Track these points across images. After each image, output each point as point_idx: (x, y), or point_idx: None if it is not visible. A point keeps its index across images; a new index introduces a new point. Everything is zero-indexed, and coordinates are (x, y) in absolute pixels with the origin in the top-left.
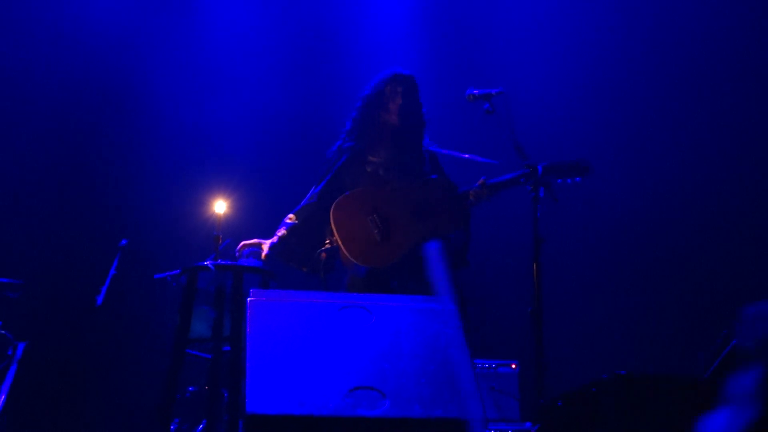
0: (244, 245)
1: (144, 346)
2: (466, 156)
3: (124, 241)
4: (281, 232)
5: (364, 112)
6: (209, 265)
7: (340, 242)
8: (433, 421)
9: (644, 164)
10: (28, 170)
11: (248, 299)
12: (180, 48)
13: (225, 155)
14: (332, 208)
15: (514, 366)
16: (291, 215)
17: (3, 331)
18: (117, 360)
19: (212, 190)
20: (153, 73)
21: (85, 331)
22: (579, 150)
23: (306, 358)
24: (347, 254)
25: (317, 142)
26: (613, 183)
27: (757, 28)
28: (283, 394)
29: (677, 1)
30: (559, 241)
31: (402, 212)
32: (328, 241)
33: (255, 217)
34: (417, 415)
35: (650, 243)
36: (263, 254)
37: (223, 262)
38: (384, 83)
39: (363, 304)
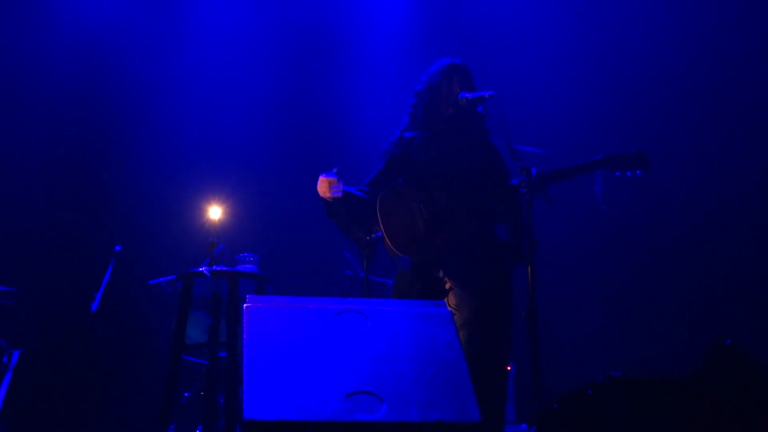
0: (328, 180)
1: (139, 352)
2: (524, 148)
3: (118, 247)
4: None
5: (420, 105)
6: (205, 271)
7: (384, 233)
8: (431, 425)
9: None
10: (22, 176)
11: (245, 305)
12: (175, 53)
13: (220, 161)
14: (378, 198)
15: (509, 368)
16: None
17: None
18: (112, 366)
19: (207, 196)
20: (148, 78)
21: (80, 338)
22: (576, 150)
23: (303, 363)
24: (390, 245)
25: (313, 148)
26: (607, 185)
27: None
28: (281, 399)
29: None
30: (553, 244)
31: (448, 203)
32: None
33: (250, 223)
34: (415, 419)
35: (645, 244)
36: (334, 192)
37: (218, 268)
38: (438, 74)
39: (359, 308)
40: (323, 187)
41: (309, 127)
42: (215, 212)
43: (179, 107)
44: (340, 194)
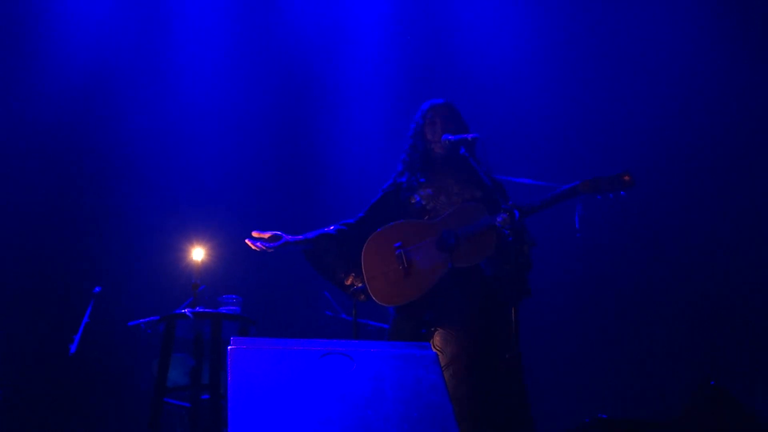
0: (259, 235)
1: (119, 394)
2: (520, 180)
3: (97, 289)
4: (311, 236)
5: (410, 150)
6: (188, 313)
7: (365, 280)
8: None
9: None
10: (1, 215)
11: (228, 347)
12: (158, 93)
13: (203, 202)
14: (365, 244)
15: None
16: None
17: None
18: (92, 409)
19: (189, 237)
20: (131, 119)
21: (58, 380)
22: (561, 174)
23: (288, 406)
24: (371, 294)
25: (297, 189)
26: (593, 222)
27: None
28: None
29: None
30: (537, 286)
31: (429, 244)
32: (351, 278)
33: (233, 265)
34: None
35: (632, 283)
36: (279, 243)
37: (201, 310)
38: (421, 116)
39: (344, 350)
40: (257, 247)
41: (292, 169)
42: (198, 253)
43: (162, 148)
44: (265, 247)
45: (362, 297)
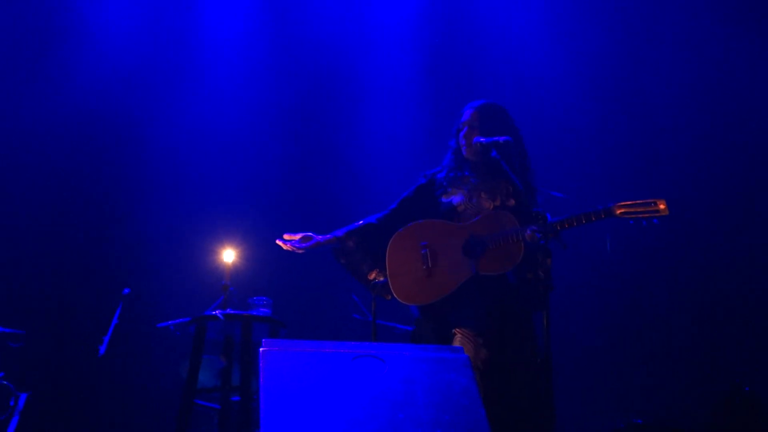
0: (290, 237)
1: (148, 396)
2: (554, 193)
3: (126, 290)
4: (340, 234)
5: (448, 150)
6: (218, 315)
7: (388, 276)
8: None
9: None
10: (31, 218)
11: (260, 349)
12: (188, 94)
13: (234, 203)
14: (391, 239)
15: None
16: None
17: (5, 382)
18: (121, 410)
19: (220, 239)
20: (164, 119)
21: (87, 381)
22: (596, 192)
23: (320, 408)
24: (392, 291)
25: (327, 191)
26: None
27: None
28: None
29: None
30: (569, 289)
31: (455, 247)
32: (374, 272)
33: (262, 266)
34: None
35: (664, 287)
36: (310, 244)
37: (232, 312)
38: (461, 118)
39: (376, 353)
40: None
41: (322, 171)
42: (229, 255)
43: (194, 149)
44: (296, 247)
45: (387, 296)
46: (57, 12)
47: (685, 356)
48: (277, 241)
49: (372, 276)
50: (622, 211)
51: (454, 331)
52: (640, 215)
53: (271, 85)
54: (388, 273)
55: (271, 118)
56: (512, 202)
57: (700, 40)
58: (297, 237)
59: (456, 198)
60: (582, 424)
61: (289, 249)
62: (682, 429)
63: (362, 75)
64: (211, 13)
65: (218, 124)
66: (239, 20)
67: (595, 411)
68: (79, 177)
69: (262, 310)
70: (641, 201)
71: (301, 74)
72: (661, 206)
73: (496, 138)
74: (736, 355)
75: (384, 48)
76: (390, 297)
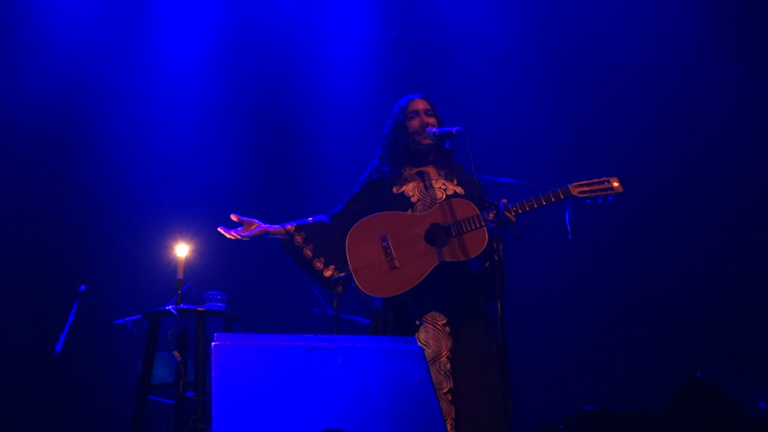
0: (238, 218)
1: (105, 393)
2: (506, 180)
3: (83, 287)
4: (289, 226)
5: (388, 146)
6: (171, 310)
7: (351, 270)
8: None
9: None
10: None
11: (212, 343)
12: (142, 88)
13: (187, 198)
14: (349, 233)
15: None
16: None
17: None
18: (78, 408)
19: (174, 234)
20: (113, 114)
21: (44, 379)
22: (549, 176)
23: (273, 402)
24: (357, 283)
25: (281, 184)
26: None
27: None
28: None
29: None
30: (523, 280)
31: (417, 237)
32: (330, 269)
33: (217, 261)
34: None
35: (615, 276)
36: (254, 231)
37: (185, 306)
38: (400, 111)
39: (329, 345)
40: (233, 236)
41: (275, 164)
42: (182, 250)
43: (145, 143)
44: (240, 235)
45: (340, 288)
46: (6, 5)
47: (641, 344)
48: (219, 229)
49: (328, 273)
50: (579, 190)
51: (418, 321)
52: (597, 194)
53: (222, 79)
54: (351, 268)
55: (225, 112)
56: (464, 191)
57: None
58: (241, 221)
59: (408, 189)
60: (535, 412)
61: (232, 237)
62: (633, 414)
63: (316, 70)
64: (171, 7)
65: (169, 118)
66: (198, 14)
67: (548, 399)
68: (32, 173)
69: (216, 304)
70: (596, 180)
71: (253, 69)
72: (615, 183)
73: (449, 128)
74: (690, 342)
75: (342, 42)
76: (342, 290)
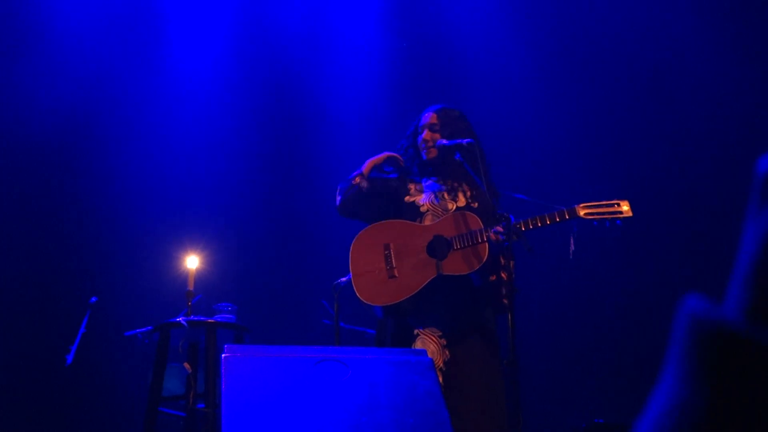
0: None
1: (116, 404)
2: (517, 195)
3: (93, 299)
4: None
5: (406, 151)
6: (182, 321)
7: (351, 276)
8: None
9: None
10: None
11: (222, 355)
12: (150, 101)
13: (198, 210)
14: (354, 240)
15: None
16: None
17: None
18: (89, 420)
19: (184, 245)
20: (125, 126)
21: (55, 391)
22: (562, 194)
23: (283, 413)
24: (355, 290)
25: (291, 198)
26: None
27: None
28: None
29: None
30: (534, 291)
31: (419, 248)
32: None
33: (228, 273)
34: None
35: (628, 288)
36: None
37: (196, 318)
38: (420, 122)
39: (339, 357)
40: (375, 161)
41: (286, 175)
42: (192, 262)
43: (156, 156)
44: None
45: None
46: (21, 9)
47: (653, 357)
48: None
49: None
50: (586, 212)
51: (416, 331)
52: (604, 216)
53: (234, 91)
54: (351, 272)
55: (237, 122)
56: (476, 204)
57: (664, 36)
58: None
59: (420, 199)
60: (545, 424)
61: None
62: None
63: (328, 77)
64: (178, 12)
65: (179, 129)
66: (206, 18)
67: (559, 412)
68: (43, 185)
69: (226, 316)
70: (605, 202)
71: (266, 77)
72: (624, 207)
73: (460, 140)
74: None
75: (351, 47)
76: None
